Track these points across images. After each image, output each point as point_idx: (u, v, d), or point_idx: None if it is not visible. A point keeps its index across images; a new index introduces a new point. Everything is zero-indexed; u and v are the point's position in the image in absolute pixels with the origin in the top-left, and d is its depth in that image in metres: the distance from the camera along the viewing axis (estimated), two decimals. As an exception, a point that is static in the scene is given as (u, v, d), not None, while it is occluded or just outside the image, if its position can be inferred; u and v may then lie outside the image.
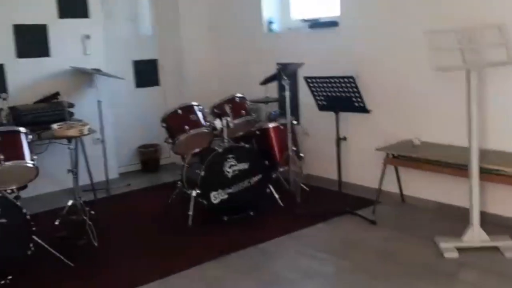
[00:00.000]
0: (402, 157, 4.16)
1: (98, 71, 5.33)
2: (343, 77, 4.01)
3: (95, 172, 5.45)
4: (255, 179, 4.40)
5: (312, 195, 4.87)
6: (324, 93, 4.25)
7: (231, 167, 4.29)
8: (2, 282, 3.30)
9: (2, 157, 3.30)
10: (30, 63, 5.21)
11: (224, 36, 6.32)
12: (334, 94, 4.17)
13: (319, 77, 4.19)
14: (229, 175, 4.28)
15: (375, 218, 4.18)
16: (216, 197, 4.25)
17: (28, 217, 3.40)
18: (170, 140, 4.29)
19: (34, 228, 3.54)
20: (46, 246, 3.56)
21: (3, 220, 3.28)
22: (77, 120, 5.00)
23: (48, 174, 5.27)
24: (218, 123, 4.31)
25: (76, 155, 3.92)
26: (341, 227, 4.13)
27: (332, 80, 4.09)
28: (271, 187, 4.54)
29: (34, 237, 3.49)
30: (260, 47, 5.78)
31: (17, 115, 4.78)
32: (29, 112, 4.80)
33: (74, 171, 3.99)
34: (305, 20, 5.46)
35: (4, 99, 4.86)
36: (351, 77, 3.97)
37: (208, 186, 4.22)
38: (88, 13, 5.54)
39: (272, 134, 4.99)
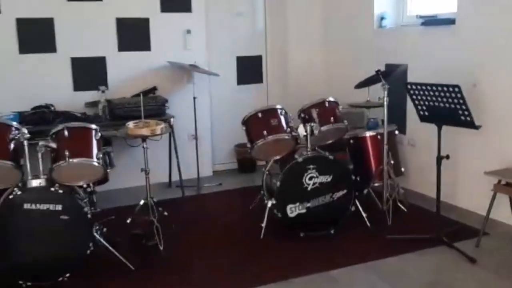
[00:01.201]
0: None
1: (194, 67, 5.20)
2: (448, 86, 3.37)
3: (188, 169, 5.39)
4: (339, 194, 3.94)
5: (408, 216, 4.28)
6: (427, 102, 3.62)
7: (312, 179, 3.88)
8: (60, 279, 3.28)
9: (67, 153, 3.26)
10: (130, 56, 5.24)
11: (334, 32, 5.88)
12: (437, 104, 3.53)
13: (421, 84, 3.57)
14: (309, 187, 3.88)
15: (477, 253, 3.49)
16: (293, 210, 3.88)
17: (89, 215, 3.34)
18: (248, 145, 3.98)
19: (97, 227, 3.50)
20: (107, 245, 3.48)
21: (65, 217, 3.25)
22: (170, 116, 4.97)
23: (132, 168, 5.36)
24: (301, 129, 3.91)
25: (146, 154, 3.77)
26: (432, 261, 3.51)
27: (435, 88, 3.46)
28: (358, 204, 4.03)
29: (96, 235, 3.43)
30: (368, 45, 5.24)
31: (112, 108, 4.84)
32: (122, 106, 4.83)
33: (147, 171, 3.86)
34: (420, 17, 4.79)
35: (103, 91, 4.98)
36: (457, 86, 3.32)
37: (285, 197, 3.86)
38: (191, 7, 5.43)
39: (369, 144, 4.45)
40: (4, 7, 4.71)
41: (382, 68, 4.77)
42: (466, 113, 3.38)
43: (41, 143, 3.26)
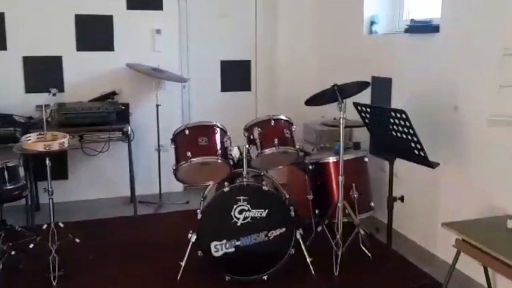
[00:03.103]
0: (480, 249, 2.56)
1: (157, 70, 4.64)
2: (392, 110, 2.61)
3: (154, 184, 4.86)
4: (276, 232, 3.25)
5: (369, 264, 3.50)
6: (379, 130, 2.86)
7: (242, 212, 3.21)
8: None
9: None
10: (90, 57, 4.77)
11: (326, 37, 5.13)
12: (389, 132, 2.77)
13: (368, 106, 2.85)
14: (239, 222, 3.21)
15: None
16: (218, 248, 3.23)
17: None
18: (173, 166, 3.36)
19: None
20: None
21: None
22: (125, 125, 4.45)
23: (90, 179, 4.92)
24: (235, 151, 3.26)
25: (49, 171, 3.25)
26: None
27: (381, 113, 2.70)
28: (302, 245, 3.31)
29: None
30: (356, 53, 4.47)
31: (59, 113, 4.39)
32: (70, 112, 4.37)
33: (49, 191, 3.33)
34: (411, 22, 3.98)
35: (54, 94, 4.51)
36: (403, 112, 2.55)
37: (209, 233, 3.22)
38: (162, 5, 4.89)
39: (331, 172, 3.72)
40: None
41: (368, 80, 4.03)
42: (418, 146, 2.59)
43: None
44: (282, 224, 3.24)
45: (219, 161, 3.26)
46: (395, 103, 3.76)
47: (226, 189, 3.18)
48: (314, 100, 3.35)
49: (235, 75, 5.47)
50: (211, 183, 3.46)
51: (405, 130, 2.60)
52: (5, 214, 3.83)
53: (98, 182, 4.97)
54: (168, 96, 4.98)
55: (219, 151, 3.28)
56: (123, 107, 4.72)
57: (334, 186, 3.69)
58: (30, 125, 4.35)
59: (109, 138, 4.45)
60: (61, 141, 3.14)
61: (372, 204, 3.78)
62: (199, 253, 3.22)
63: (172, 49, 4.99)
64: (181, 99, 5.23)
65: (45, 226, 3.39)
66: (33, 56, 4.63)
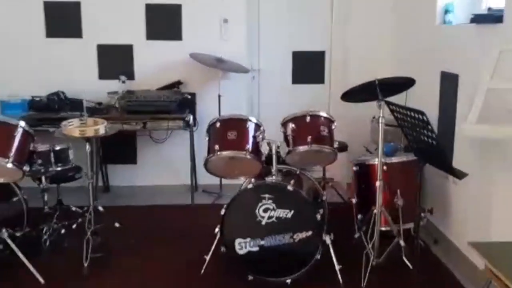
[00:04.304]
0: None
1: (220, 61, 4.61)
2: (412, 111, 2.30)
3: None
4: (302, 235, 3.07)
5: (409, 277, 3.16)
6: (408, 132, 2.56)
7: (267, 211, 3.07)
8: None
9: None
10: (159, 46, 4.88)
11: (401, 26, 4.72)
12: (418, 135, 2.46)
13: (394, 104, 2.53)
14: (263, 221, 3.08)
15: None
16: (243, 246, 3.13)
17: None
18: (204, 157, 3.31)
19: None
20: (17, 251, 3.17)
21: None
22: (187, 114, 4.49)
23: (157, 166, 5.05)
24: (264, 147, 3.12)
25: (91, 156, 3.37)
26: None
27: (406, 113, 2.40)
28: (332, 251, 3.10)
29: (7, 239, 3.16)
30: (428, 45, 4.05)
31: (125, 100, 4.56)
32: (132, 99, 4.52)
33: (88, 175, 3.46)
34: (489, 10, 3.51)
35: (123, 81, 4.72)
36: (421, 113, 2.23)
37: (233, 229, 3.13)
38: (230, -7, 4.84)
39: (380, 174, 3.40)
40: (32, -10, 4.71)
41: (437, 77, 3.65)
42: (441, 152, 2.26)
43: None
44: (308, 227, 3.05)
45: (248, 156, 3.14)
46: (461, 104, 3.35)
47: (250, 186, 3.06)
48: (352, 95, 3.08)
49: (308, 67, 5.26)
50: (242, 178, 3.34)
51: (428, 133, 2.28)
52: (70, 194, 4.07)
53: (164, 168, 5.09)
54: (233, 86, 4.93)
55: (249, 147, 3.16)
56: (189, 96, 4.79)
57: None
58: (97, 110, 4.56)
59: (168, 126, 4.51)
60: (96, 127, 3.22)
61: (423, 214, 3.41)
62: (222, 249, 3.14)
63: (239, 38, 4.92)
64: (249, 90, 5.14)
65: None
66: (106, 44, 4.84)
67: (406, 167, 3.30)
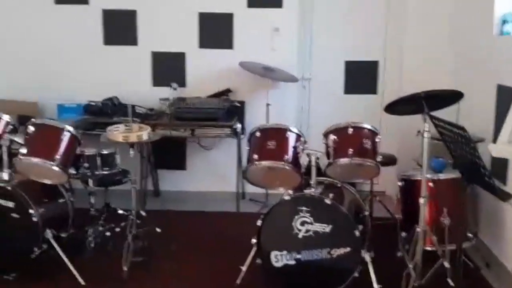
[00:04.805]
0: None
1: (268, 70, 4.59)
2: (454, 125, 2.17)
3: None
4: (339, 251, 2.98)
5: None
6: (452, 147, 2.42)
7: (304, 224, 3.00)
8: (6, 277, 3.25)
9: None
10: (211, 54, 4.92)
11: (457, 36, 4.51)
12: (459, 151, 2.32)
13: (436, 119, 2.41)
14: (300, 234, 3.02)
15: None
16: (279, 259, 3.07)
17: (35, 218, 3.17)
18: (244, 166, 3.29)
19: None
20: (60, 252, 3.26)
21: (16, 215, 3.16)
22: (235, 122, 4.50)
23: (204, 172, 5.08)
24: (303, 158, 3.06)
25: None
26: None
27: (448, 127, 2.27)
28: (371, 270, 2.98)
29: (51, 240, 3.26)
30: (483, 55, 3.85)
31: (175, 107, 4.63)
32: (181, 106, 4.58)
33: (132, 180, 3.52)
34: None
35: (174, 88, 4.80)
36: (462, 129, 2.10)
37: (269, 241, 3.09)
38: (281, 3, 4.81)
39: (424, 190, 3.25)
40: (91, -2, 4.89)
41: (493, 90, 3.46)
42: (483, 170, 2.11)
43: (10, 137, 3.23)
44: (346, 243, 2.95)
45: (287, 167, 3.09)
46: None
47: (286, 198, 3.00)
48: (396, 108, 2.95)
49: (360, 77, 5.14)
50: (282, 189, 3.29)
51: (470, 150, 2.13)
52: (119, 197, 4.16)
53: (212, 175, 5.12)
54: (282, 95, 4.90)
55: (288, 157, 3.10)
56: (237, 104, 4.80)
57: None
58: (149, 116, 4.66)
59: (215, 134, 4.54)
60: (139, 133, 3.28)
61: (470, 234, 3.21)
62: (258, 260, 3.10)
63: (290, 48, 4.89)
64: (298, 99, 5.09)
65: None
66: (160, 51, 4.95)
67: (454, 184, 3.13)
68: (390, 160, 3.99)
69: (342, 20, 4.99)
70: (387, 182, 4.78)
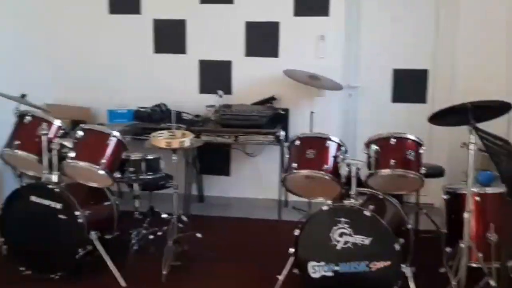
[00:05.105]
0: None
1: (313, 77, 4.57)
2: (498, 138, 2.09)
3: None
4: (379, 265, 2.92)
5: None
6: (498, 161, 2.33)
7: (343, 236, 2.96)
8: (52, 276, 3.37)
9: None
10: (257, 62, 4.96)
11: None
12: (504, 164, 2.23)
13: (485, 132, 2.31)
14: (338, 245, 2.98)
15: None
16: (316, 270, 3.05)
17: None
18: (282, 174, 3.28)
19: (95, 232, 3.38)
20: (103, 253, 3.35)
21: (63, 217, 3.29)
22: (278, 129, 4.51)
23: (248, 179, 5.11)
24: (343, 168, 3.02)
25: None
26: None
27: (492, 140, 2.19)
28: (412, 286, 2.90)
29: (95, 241, 3.36)
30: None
31: (219, 114, 4.69)
32: (225, 113, 4.63)
33: (174, 185, 3.58)
34: None
35: (220, 96, 4.86)
36: (505, 141, 2.02)
37: (307, 251, 3.06)
38: (328, 11, 4.78)
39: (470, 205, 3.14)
40: (144, 8, 5.03)
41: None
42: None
43: (61, 142, 3.37)
44: (386, 257, 2.88)
45: (326, 177, 3.06)
46: None
47: (324, 208, 2.97)
48: (441, 118, 2.87)
49: (409, 85, 5.03)
50: (321, 199, 3.26)
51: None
52: (164, 201, 4.25)
53: (256, 182, 5.14)
54: (327, 103, 4.85)
55: (327, 167, 3.07)
56: (282, 112, 4.81)
57: (473, 223, 3.10)
58: (195, 122, 4.74)
59: (259, 141, 4.56)
60: (181, 140, 3.34)
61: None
62: (295, 271, 3.08)
63: (336, 55, 4.84)
64: (344, 108, 5.03)
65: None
66: (207, 60, 5.03)
67: (502, 199, 3.00)
68: (437, 172, 3.87)
69: (390, 27, 4.89)
70: (436, 194, 4.63)
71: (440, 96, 4.86)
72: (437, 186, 4.06)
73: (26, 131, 3.44)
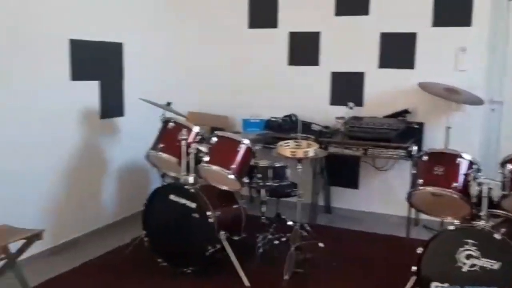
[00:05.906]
0: None
1: (452, 91, 4.36)
2: None
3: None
4: (510, 293, 2.71)
5: None
6: None
7: (470, 258, 2.82)
8: (184, 270, 3.64)
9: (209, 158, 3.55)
10: (390, 74, 4.88)
11: None
12: None
13: None
14: (464, 268, 2.84)
15: None
16: (440, 291, 2.93)
17: (211, 220, 3.52)
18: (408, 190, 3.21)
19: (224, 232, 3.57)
20: (231, 254, 3.56)
21: (196, 215, 3.55)
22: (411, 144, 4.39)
23: (377, 193, 5.03)
24: (474, 188, 2.88)
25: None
26: None
27: None
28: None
29: (224, 241, 3.58)
30: None
31: (347, 126, 4.71)
32: (354, 125, 4.64)
33: (298, 194, 3.68)
34: None
35: (351, 108, 4.89)
36: None
37: (430, 270, 2.96)
38: (471, 21, 4.55)
39: None
40: (280, 22, 5.24)
41: None
42: None
43: (197, 146, 3.66)
44: (518, 285, 2.67)
45: (454, 195, 2.93)
46: None
47: (450, 228, 2.84)
48: None
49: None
50: (449, 218, 3.12)
51: None
52: (291, 208, 4.37)
53: (385, 197, 5.05)
54: (466, 118, 4.61)
55: (456, 185, 2.94)
56: (416, 126, 4.68)
57: None
58: (323, 133, 4.81)
59: (389, 155, 4.47)
60: (306, 150, 3.43)
61: None
62: (417, 289, 2.99)
63: (478, 68, 4.58)
64: (486, 123, 4.73)
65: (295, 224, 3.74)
66: (339, 71, 5.07)
67: None
68: None
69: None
70: None
71: None
72: None
73: (169, 135, 3.80)
